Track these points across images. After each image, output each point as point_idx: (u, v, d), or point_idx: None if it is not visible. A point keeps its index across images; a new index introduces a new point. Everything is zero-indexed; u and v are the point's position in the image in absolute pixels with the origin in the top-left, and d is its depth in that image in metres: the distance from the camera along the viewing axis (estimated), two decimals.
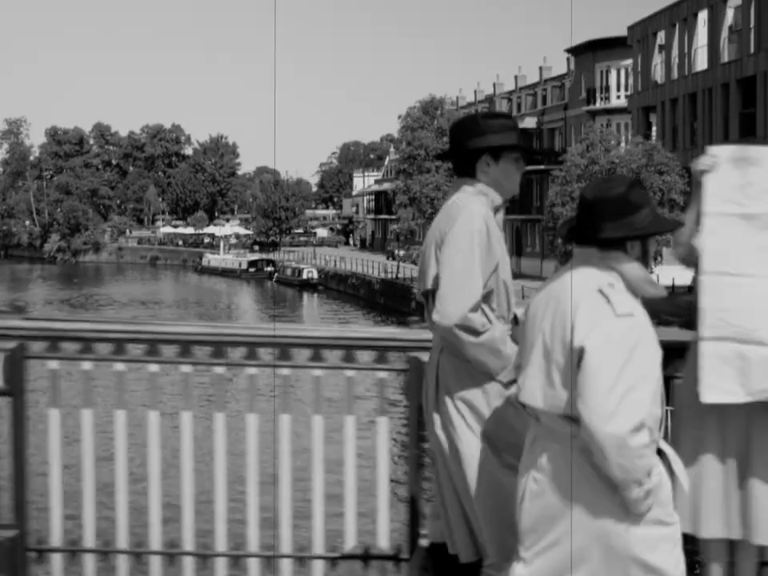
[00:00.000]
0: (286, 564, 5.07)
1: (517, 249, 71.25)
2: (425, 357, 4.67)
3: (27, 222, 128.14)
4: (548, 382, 3.56)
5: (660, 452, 3.59)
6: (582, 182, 44.41)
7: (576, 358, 3.43)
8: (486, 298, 4.04)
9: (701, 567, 4.66)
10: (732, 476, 4.46)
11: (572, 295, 3.51)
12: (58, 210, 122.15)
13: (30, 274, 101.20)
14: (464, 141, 4.18)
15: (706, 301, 4.37)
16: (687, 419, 4.52)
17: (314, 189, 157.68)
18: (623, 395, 3.34)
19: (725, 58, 48.53)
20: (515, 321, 4.20)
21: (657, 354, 3.50)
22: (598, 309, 3.46)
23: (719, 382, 4.35)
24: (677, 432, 4.54)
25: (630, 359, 3.38)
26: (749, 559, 4.61)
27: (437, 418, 4.20)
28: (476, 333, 3.95)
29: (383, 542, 5.05)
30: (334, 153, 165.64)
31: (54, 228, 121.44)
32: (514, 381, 3.89)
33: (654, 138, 53.33)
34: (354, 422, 5.07)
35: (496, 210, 4.18)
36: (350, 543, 5.09)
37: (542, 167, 62.90)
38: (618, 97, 63.25)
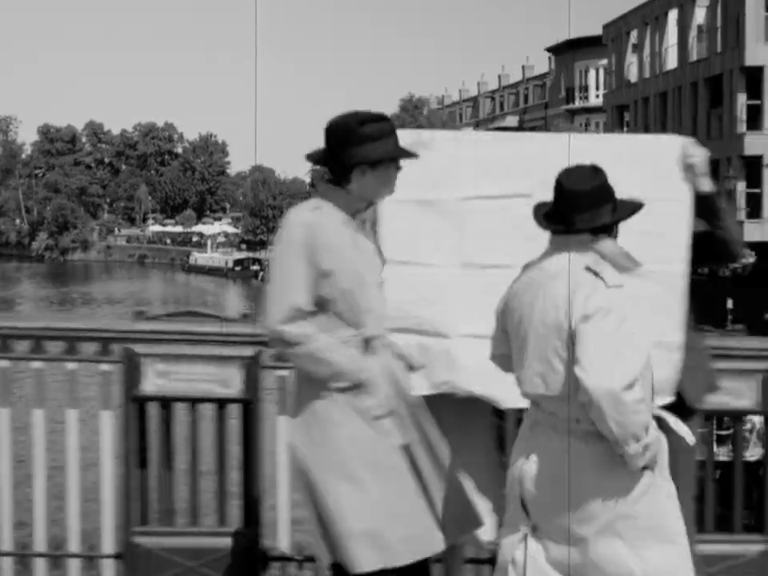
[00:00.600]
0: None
1: None
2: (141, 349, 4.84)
3: (17, 221, 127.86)
4: (548, 367, 3.65)
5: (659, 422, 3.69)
6: None
7: (573, 334, 3.56)
8: (322, 306, 3.90)
9: None
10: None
11: (570, 276, 3.62)
12: (47, 208, 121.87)
13: (18, 273, 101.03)
14: (339, 150, 3.88)
15: (389, 292, 4.26)
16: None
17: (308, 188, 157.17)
18: (616, 355, 3.46)
19: (693, 56, 48.49)
20: None
21: (646, 324, 3.64)
22: (589, 284, 3.58)
23: None
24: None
25: (623, 325, 3.52)
26: (457, 557, 4.65)
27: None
28: (290, 345, 3.87)
29: (107, 541, 5.08)
30: None
31: (43, 226, 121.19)
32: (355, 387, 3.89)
33: None
34: (77, 416, 5.13)
35: (354, 214, 3.97)
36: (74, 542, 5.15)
37: None
38: (597, 96, 63.20)
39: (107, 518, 5.14)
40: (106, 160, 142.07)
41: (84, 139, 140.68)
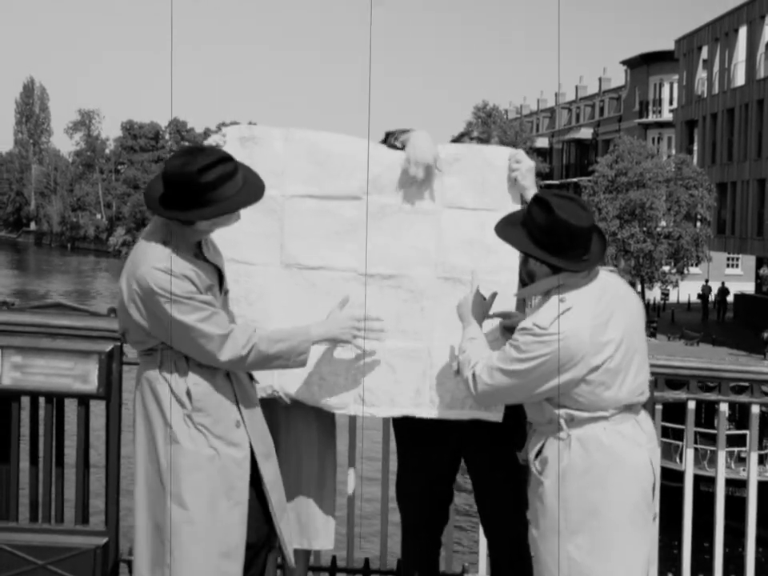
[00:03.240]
0: None
1: None
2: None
3: (97, 215, 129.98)
4: (637, 371, 3.83)
5: None
6: (609, 193, 43.93)
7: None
8: None
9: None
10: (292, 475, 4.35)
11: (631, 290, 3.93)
12: (125, 203, 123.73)
13: (96, 267, 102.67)
14: (181, 205, 3.69)
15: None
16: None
17: None
18: None
19: (761, 74, 47.70)
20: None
21: None
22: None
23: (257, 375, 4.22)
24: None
25: None
26: (299, 565, 4.54)
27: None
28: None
29: None
30: None
31: (121, 222, 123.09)
32: None
33: (695, 152, 52.58)
34: None
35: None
36: None
37: (574, 179, 62.34)
38: (670, 111, 62.43)
39: None
40: None
41: (167, 136, 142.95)
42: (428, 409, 4.19)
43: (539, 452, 3.85)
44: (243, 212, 4.20)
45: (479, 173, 4.21)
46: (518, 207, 4.19)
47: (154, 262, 3.67)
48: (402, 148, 4.25)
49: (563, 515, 3.71)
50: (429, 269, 4.18)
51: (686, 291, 57.51)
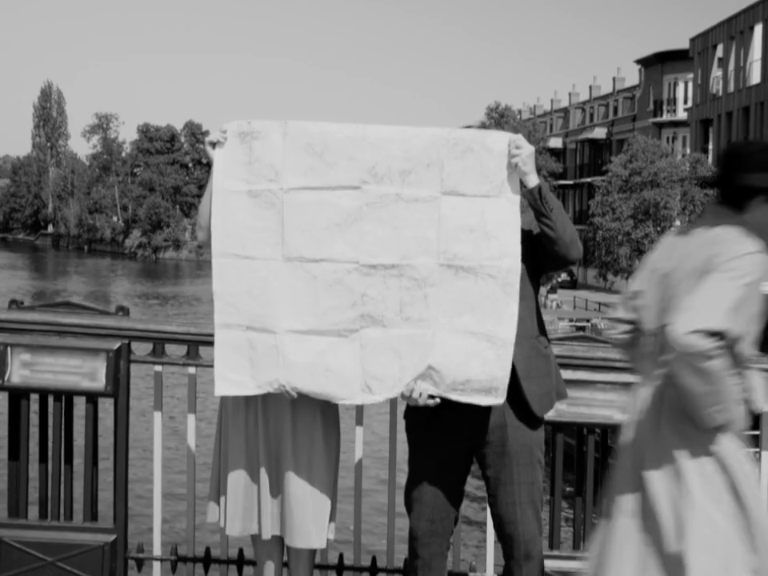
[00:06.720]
0: None
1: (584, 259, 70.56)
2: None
3: (114, 218, 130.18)
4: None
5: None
6: (623, 193, 43.82)
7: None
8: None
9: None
10: (273, 474, 4.35)
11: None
12: (141, 206, 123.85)
13: (112, 270, 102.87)
14: (736, 173, 3.73)
15: (217, 285, 4.22)
16: (235, 413, 4.39)
17: None
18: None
19: None
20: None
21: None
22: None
23: (230, 374, 4.23)
24: (226, 423, 4.40)
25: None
26: (301, 562, 4.51)
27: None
28: (702, 356, 3.47)
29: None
30: None
31: (137, 224, 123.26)
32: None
33: (710, 151, 52.39)
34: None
35: None
36: None
37: (588, 179, 62.23)
38: (685, 110, 62.22)
39: None
40: (204, 160, 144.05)
41: (183, 139, 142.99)
42: (431, 388, 4.19)
43: None
44: (245, 207, 4.23)
45: (478, 159, 4.15)
46: (518, 193, 4.15)
47: None
48: None
49: None
50: (431, 257, 4.17)
51: None
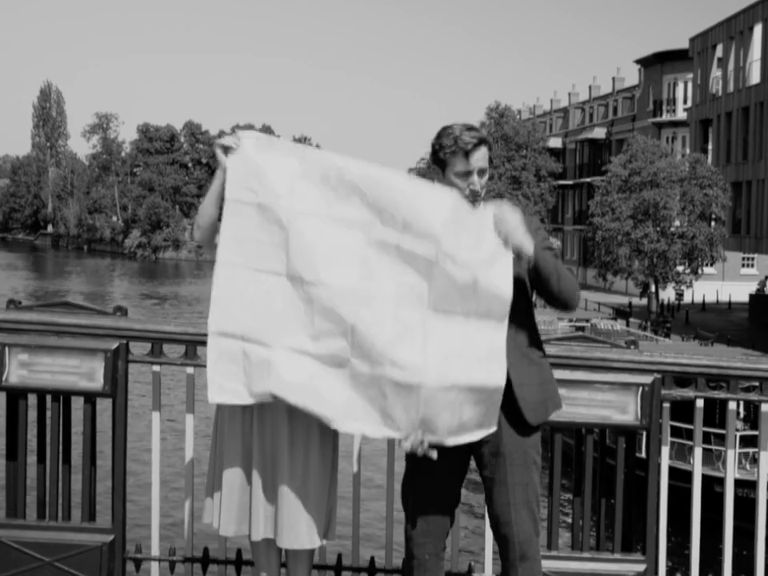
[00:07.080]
0: None
1: (584, 259, 70.84)
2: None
3: (114, 218, 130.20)
4: None
5: None
6: (623, 193, 43.84)
7: None
8: None
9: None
10: (267, 477, 4.35)
11: None
12: (141, 206, 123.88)
13: (112, 270, 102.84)
14: None
15: (216, 292, 4.24)
16: (231, 416, 4.39)
17: None
18: None
19: None
20: None
21: None
22: None
23: (224, 382, 4.24)
24: (222, 425, 4.42)
25: None
26: (299, 563, 4.51)
27: None
28: None
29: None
30: (422, 159, 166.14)
31: (136, 224, 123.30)
32: None
33: (710, 151, 52.40)
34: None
35: None
36: None
37: (587, 179, 62.28)
38: (685, 110, 62.21)
39: None
40: (203, 160, 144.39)
41: (182, 139, 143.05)
42: (429, 436, 4.19)
43: None
44: (255, 219, 4.23)
45: (474, 233, 4.17)
46: (510, 255, 4.16)
47: None
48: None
49: None
50: (422, 306, 4.16)
51: (701, 291, 57.37)
